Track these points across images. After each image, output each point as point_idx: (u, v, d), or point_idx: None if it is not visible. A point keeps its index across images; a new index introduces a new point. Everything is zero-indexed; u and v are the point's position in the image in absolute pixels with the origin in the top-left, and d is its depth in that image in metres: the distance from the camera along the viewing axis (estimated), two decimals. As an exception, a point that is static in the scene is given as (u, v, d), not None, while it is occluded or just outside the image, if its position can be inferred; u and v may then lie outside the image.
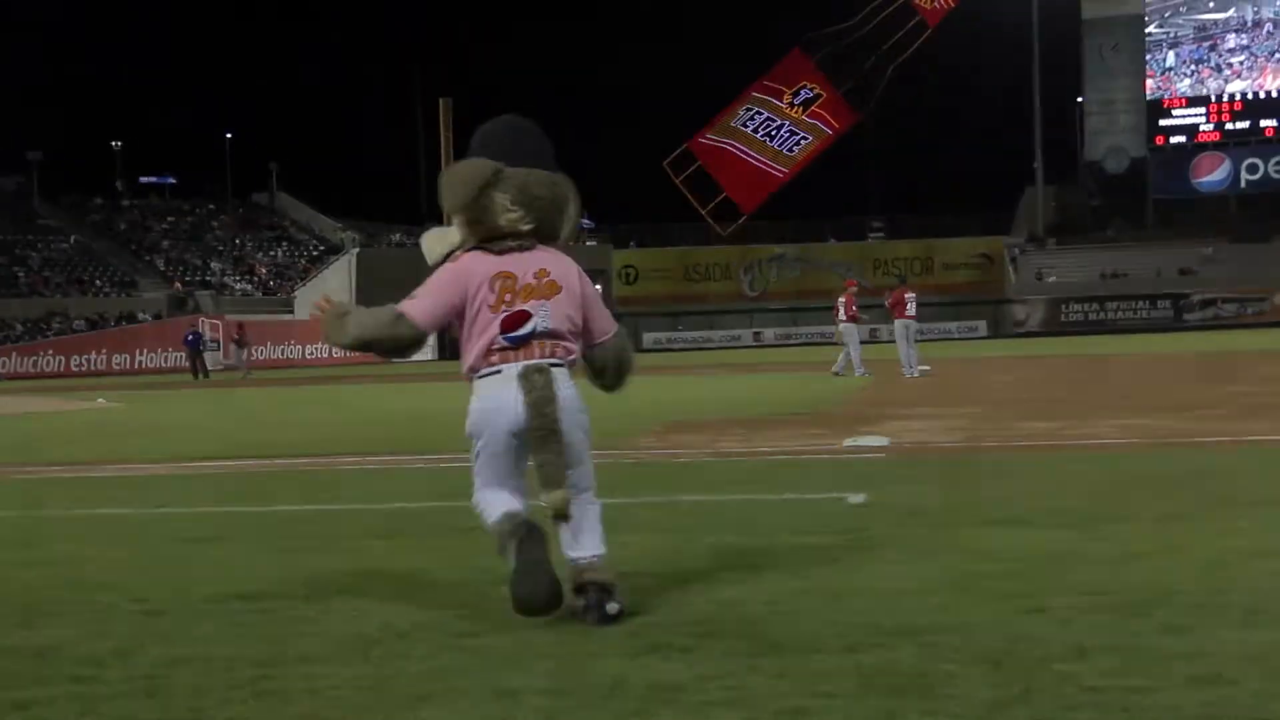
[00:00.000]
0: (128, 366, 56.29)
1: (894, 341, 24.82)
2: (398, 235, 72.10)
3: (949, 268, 67.26)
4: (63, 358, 55.99)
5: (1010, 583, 4.94)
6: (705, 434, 12.16)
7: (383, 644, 4.42)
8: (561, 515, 4.69)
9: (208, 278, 68.35)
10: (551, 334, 4.79)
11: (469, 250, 4.86)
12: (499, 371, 4.75)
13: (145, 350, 57.60)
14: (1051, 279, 67.55)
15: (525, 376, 4.70)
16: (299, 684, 3.93)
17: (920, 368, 23.82)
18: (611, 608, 4.62)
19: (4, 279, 64.66)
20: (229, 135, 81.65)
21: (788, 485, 8.18)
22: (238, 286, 68.39)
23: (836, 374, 24.17)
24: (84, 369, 55.65)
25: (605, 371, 5.08)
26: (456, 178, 4.82)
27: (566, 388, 4.77)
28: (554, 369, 4.75)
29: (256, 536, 6.91)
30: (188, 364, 45.05)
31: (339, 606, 5.06)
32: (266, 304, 64.97)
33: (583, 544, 4.74)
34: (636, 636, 4.39)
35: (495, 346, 4.75)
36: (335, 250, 70.10)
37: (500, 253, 4.79)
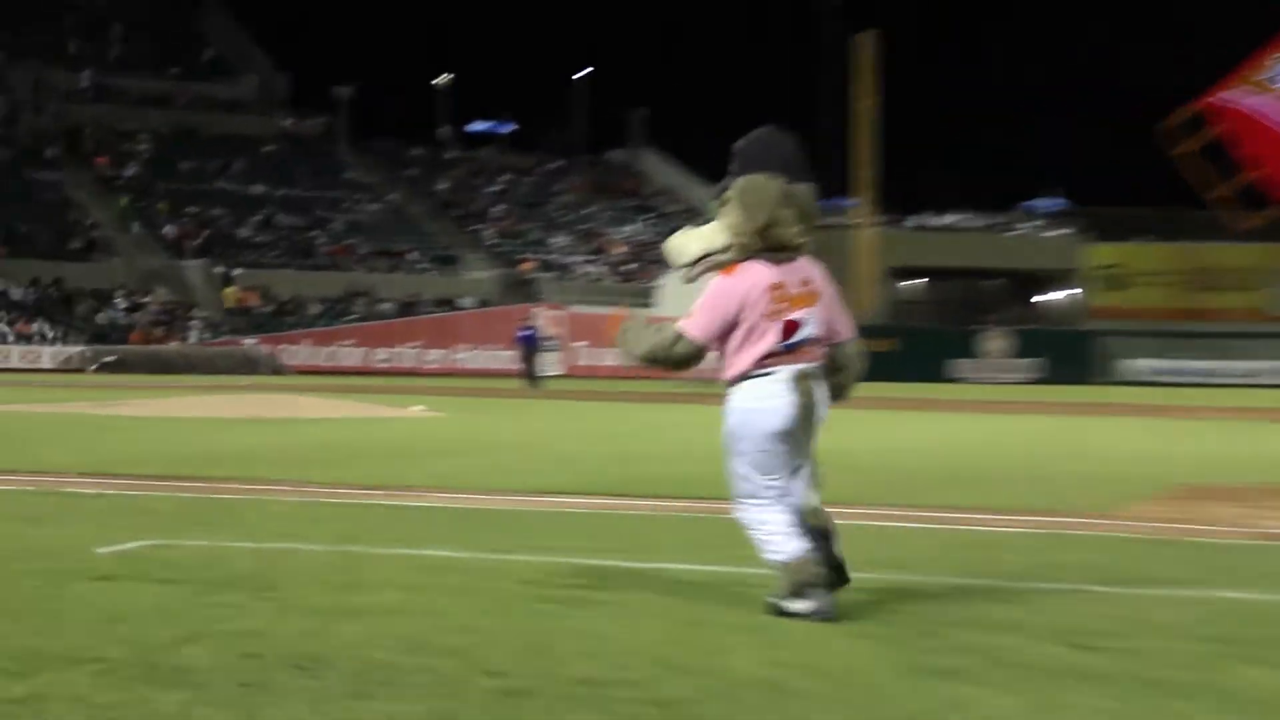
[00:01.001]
0: (443, 365, 59.06)
1: None
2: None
3: None
4: (366, 350, 59.91)
5: None
6: (1240, 506, 11.69)
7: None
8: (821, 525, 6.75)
9: (547, 256, 70.03)
10: (815, 340, 6.74)
11: (747, 259, 6.72)
12: (771, 373, 6.65)
13: (466, 345, 60.55)
14: None
15: (798, 380, 6.64)
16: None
17: None
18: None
19: (301, 247, 68.13)
20: (583, 73, 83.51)
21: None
22: (585, 269, 70.27)
23: None
24: (390, 366, 58.91)
25: (843, 370, 6.89)
26: (760, 196, 6.68)
27: (821, 389, 6.74)
28: (817, 373, 6.71)
29: (637, 601, 7.03)
30: (521, 365, 46.23)
31: (757, 705, 5.03)
32: (620, 293, 65.45)
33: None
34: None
35: (771, 352, 6.64)
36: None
37: (778, 263, 6.68)
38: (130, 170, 71.31)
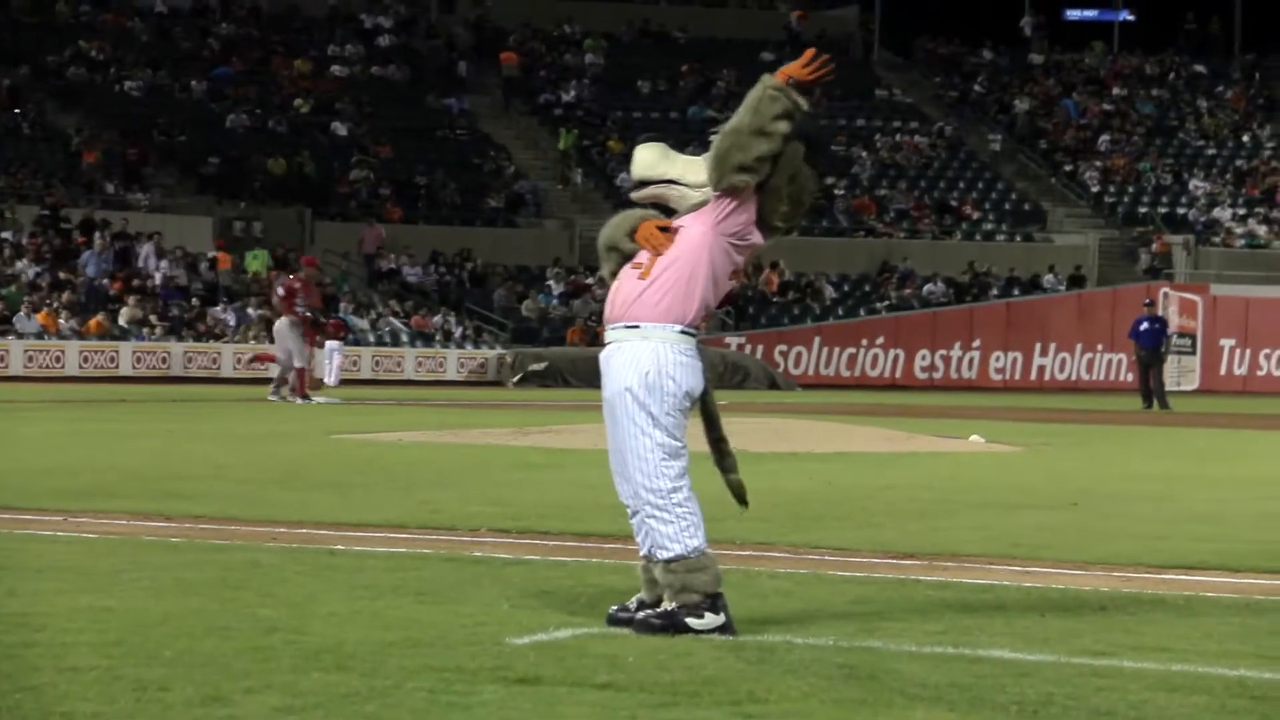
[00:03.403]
0: (1015, 377, 54.10)
1: None
2: None
3: None
4: (899, 352, 53.48)
5: None
6: None
7: None
8: (745, 500, 7.71)
9: (1181, 209, 59.12)
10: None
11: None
12: (694, 336, 7.51)
13: (1053, 345, 54.42)
14: None
15: (704, 350, 7.58)
16: None
17: None
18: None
19: (814, 202, 59.06)
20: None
21: None
22: (1242, 226, 59.74)
23: None
24: (937, 378, 53.12)
25: None
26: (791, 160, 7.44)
27: None
28: None
29: None
30: (1139, 376, 40.59)
31: None
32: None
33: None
34: None
35: (710, 312, 7.50)
36: None
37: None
38: (572, 91, 62.28)
